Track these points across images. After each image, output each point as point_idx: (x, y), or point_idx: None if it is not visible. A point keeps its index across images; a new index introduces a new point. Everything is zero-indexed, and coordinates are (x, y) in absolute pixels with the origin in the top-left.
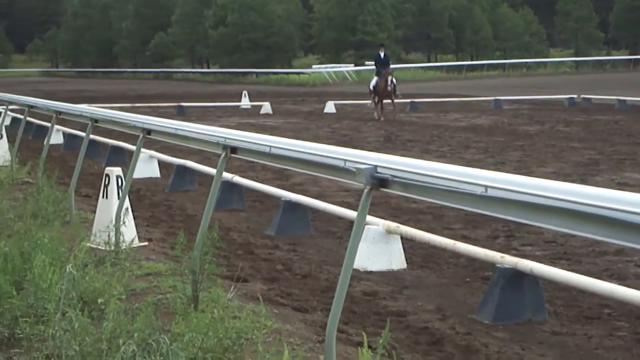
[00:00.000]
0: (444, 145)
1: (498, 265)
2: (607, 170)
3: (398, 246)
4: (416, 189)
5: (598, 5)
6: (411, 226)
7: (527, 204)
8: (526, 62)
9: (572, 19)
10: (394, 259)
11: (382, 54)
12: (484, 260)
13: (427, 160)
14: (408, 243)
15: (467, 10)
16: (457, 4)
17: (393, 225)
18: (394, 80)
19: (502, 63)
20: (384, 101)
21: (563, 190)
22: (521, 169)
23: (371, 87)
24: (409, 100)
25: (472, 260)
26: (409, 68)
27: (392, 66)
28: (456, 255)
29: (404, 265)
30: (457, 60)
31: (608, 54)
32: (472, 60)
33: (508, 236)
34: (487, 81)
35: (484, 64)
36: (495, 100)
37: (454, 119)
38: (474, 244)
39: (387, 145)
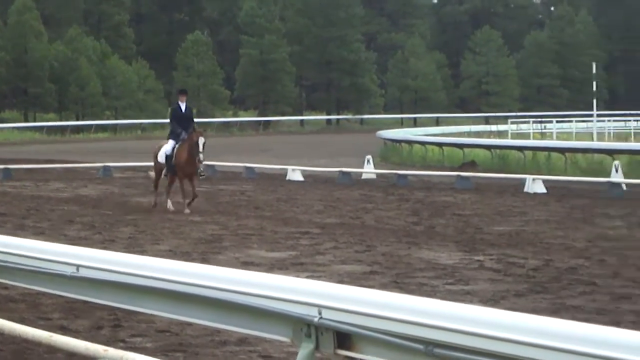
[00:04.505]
0: (42, 220)
1: None
2: (232, 248)
3: None
4: None
5: (223, 59)
6: (0, 317)
7: (129, 285)
8: (141, 123)
9: (194, 74)
10: None
11: (182, 105)
12: (85, 355)
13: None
14: None
15: (71, 62)
16: (60, 55)
17: None
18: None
19: (114, 124)
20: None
21: (172, 270)
22: (133, 247)
23: (161, 158)
24: (1, 167)
25: (71, 355)
26: (3, 129)
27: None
28: (53, 349)
29: None
30: (60, 120)
31: (235, 115)
32: (77, 120)
33: (115, 326)
34: (95, 145)
35: (91, 125)
36: (105, 167)
37: (56, 188)
38: (74, 336)
39: None
